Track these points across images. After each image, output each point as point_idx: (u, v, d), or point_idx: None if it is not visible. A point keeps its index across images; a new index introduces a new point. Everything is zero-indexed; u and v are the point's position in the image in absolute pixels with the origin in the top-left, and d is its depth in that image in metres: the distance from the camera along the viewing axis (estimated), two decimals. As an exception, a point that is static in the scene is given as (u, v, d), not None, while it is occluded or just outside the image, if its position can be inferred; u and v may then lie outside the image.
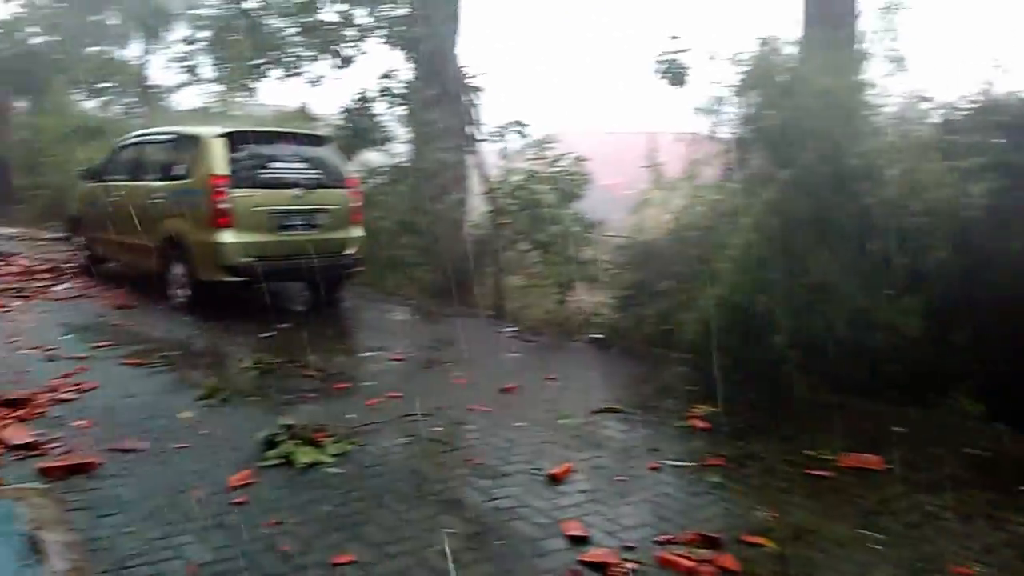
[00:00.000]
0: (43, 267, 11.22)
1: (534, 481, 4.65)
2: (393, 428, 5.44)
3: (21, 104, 22.01)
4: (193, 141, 8.79)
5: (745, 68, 6.89)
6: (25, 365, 6.57)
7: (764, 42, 6.83)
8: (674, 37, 8.22)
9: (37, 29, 21.28)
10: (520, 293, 9.94)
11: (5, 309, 8.67)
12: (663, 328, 7.21)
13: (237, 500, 4.20)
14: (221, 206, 8.23)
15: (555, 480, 4.66)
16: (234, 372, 6.62)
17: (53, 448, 4.79)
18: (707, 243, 6.83)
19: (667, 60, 8.26)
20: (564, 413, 5.87)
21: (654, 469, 4.92)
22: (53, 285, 10.08)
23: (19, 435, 4.83)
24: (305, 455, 4.77)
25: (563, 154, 10.50)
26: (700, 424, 5.76)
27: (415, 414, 5.69)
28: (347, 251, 9.27)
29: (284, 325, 8.37)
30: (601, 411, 6.00)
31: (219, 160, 8.33)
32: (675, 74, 8.16)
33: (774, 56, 6.90)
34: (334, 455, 4.87)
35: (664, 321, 7.23)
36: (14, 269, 11.06)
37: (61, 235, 13.65)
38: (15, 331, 7.72)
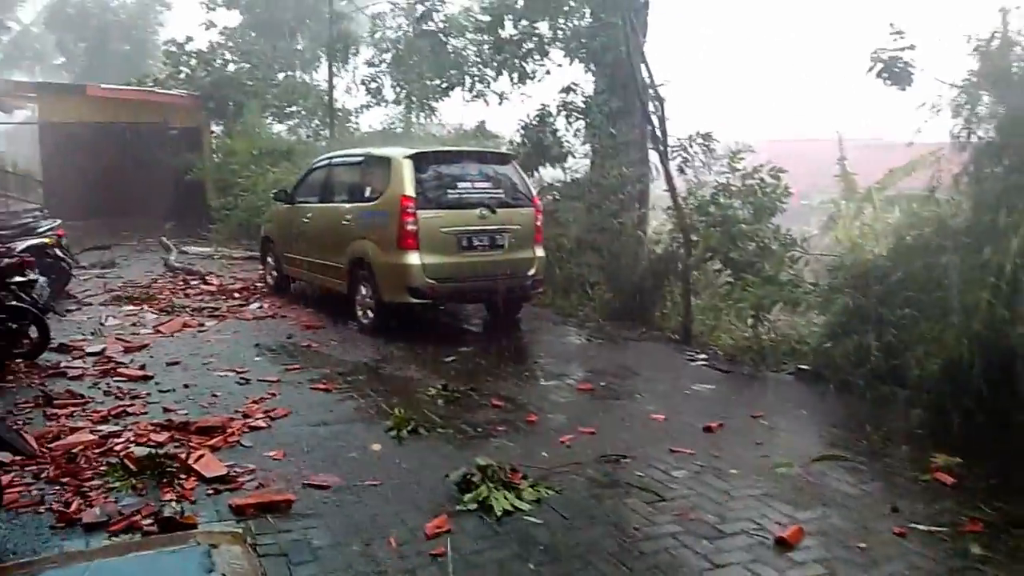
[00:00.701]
0: (236, 286, 11.66)
1: (760, 545, 4.04)
2: (591, 471, 4.98)
3: (216, 128, 23.54)
4: (382, 162, 8.76)
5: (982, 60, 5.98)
6: (219, 387, 6.63)
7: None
8: (897, 32, 7.28)
9: (233, 57, 22.70)
10: (709, 316, 9.23)
11: (201, 328, 8.96)
12: (891, 362, 6.32)
13: (434, 552, 3.86)
14: (408, 227, 8.11)
15: (785, 545, 4.03)
16: (421, 400, 6.38)
17: (246, 482, 4.66)
18: (947, 265, 5.90)
19: (887, 57, 7.34)
20: (781, 461, 5.19)
21: (899, 535, 4.18)
22: (245, 304, 10.39)
23: (213, 467, 4.74)
24: (502, 501, 4.40)
25: (759, 166, 9.71)
26: (945, 478, 4.92)
27: (612, 455, 5.21)
28: (529, 272, 8.94)
29: (466, 348, 8.14)
30: (823, 458, 5.28)
31: (407, 181, 8.22)
32: (897, 73, 7.23)
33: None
34: (531, 501, 4.46)
35: (892, 354, 6.34)
36: (208, 288, 11.55)
37: (253, 254, 14.26)
38: (210, 351, 7.90)
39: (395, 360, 7.68)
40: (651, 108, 10.47)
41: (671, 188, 9.65)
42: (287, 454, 5.12)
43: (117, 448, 5.06)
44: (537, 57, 13.72)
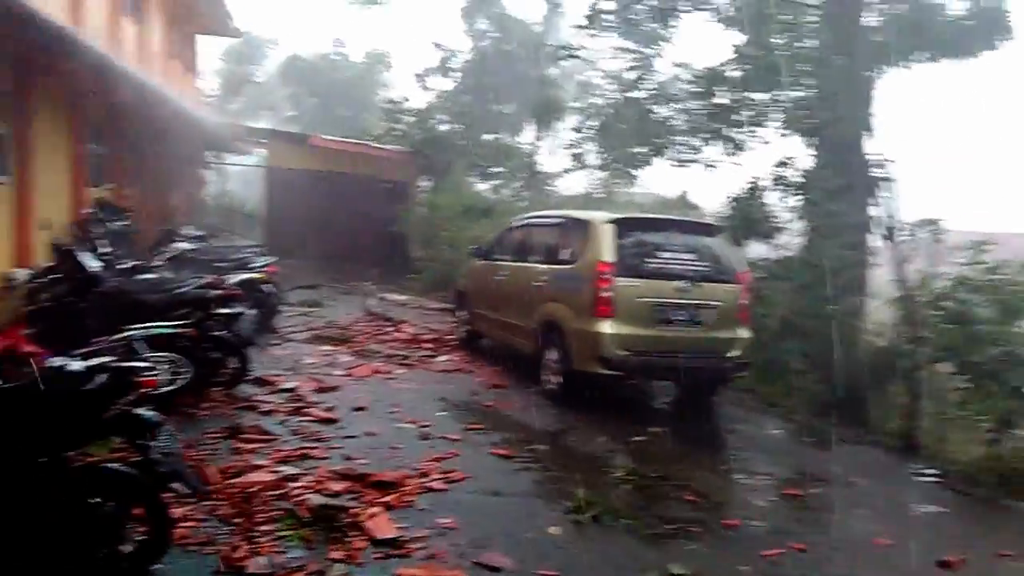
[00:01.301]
0: (427, 336, 11.70)
1: None
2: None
3: (424, 183, 24.50)
4: (582, 226, 8.45)
5: None
6: (400, 440, 6.44)
7: None
8: None
9: (445, 117, 23.66)
10: (937, 424, 8.08)
11: (389, 376, 8.93)
12: None
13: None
14: (604, 294, 7.70)
15: None
16: (606, 482, 5.85)
17: (416, 549, 4.33)
18: None
19: None
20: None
21: None
22: (434, 356, 10.34)
23: (385, 528, 4.46)
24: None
25: (1005, 260, 8.53)
26: None
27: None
28: (730, 353, 8.24)
29: (655, 428, 7.52)
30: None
31: (606, 246, 7.85)
32: None
33: None
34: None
35: None
36: (401, 336, 11.66)
37: (446, 307, 14.40)
38: (396, 400, 7.79)
39: (579, 432, 7.21)
40: (878, 189, 9.56)
41: (899, 276, 8.66)
42: (460, 524, 4.76)
43: (293, 493, 4.91)
44: (750, 127, 13.10)
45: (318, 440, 6.22)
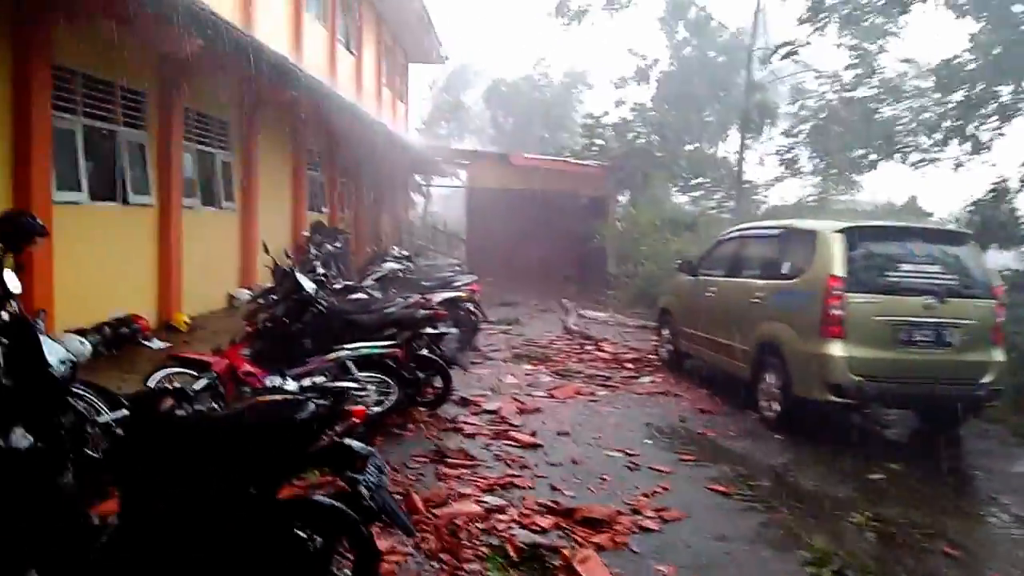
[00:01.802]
0: (629, 356, 11.25)
1: None
2: None
3: (622, 197, 24.10)
4: (805, 237, 7.69)
5: None
6: (607, 470, 6.04)
7: None
8: None
9: (644, 129, 23.16)
10: None
11: (592, 398, 8.57)
12: None
13: None
14: (833, 312, 6.92)
15: None
16: (844, 528, 5.14)
17: (634, 601, 3.90)
18: None
19: None
20: None
21: None
22: (637, 377, 9.87)
23: (598, 573, 4.06)
24: None
25: None
26: None
27: None
28: (982, 379, 7.16)
29: (895, 465, 6.62)
30: None
31: (836, 259, 7.07)
32: None
33: None
34: None
35: None
36: (602, 355, 11.29)
37: (647, 324, 13.89)
38: (599, 424, 7.42)
39: (806, 468, 6.47)
40: None
41: None
42: (680, 572, 4.27)
43: (500, 527, 4.64)
44: (994, 123, 11.61)
45: (523, 467, 5.95)
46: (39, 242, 6.35)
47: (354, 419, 3.38)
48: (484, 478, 5.60)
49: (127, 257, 9.52)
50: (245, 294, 11.88)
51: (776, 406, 7.57)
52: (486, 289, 13.14)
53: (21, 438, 3.16)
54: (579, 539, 4.55)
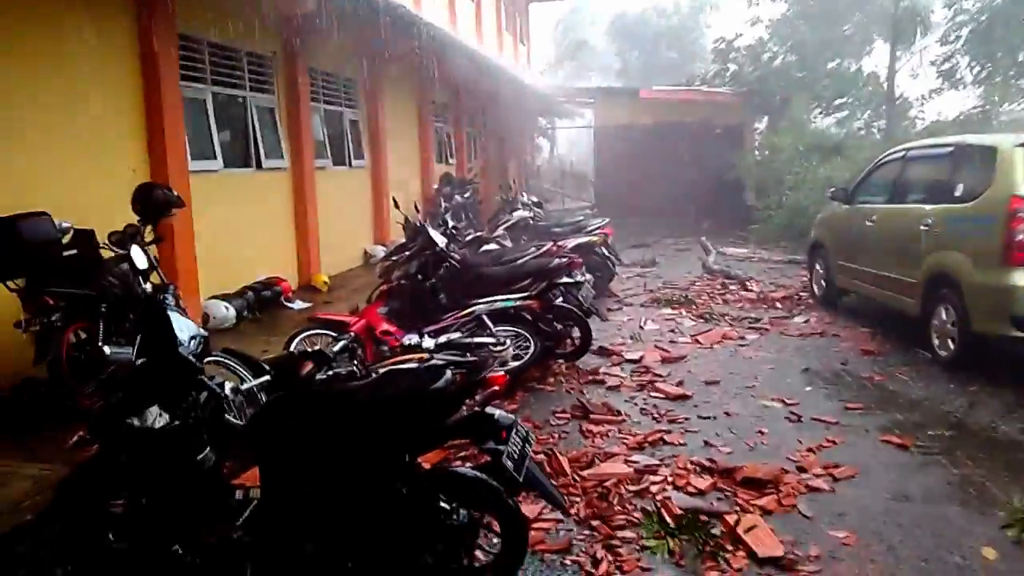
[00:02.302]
0: (777, 294, 10.57)
1: None
2: None
3: (759, 124, 22.78)
4: (983, 153, 6.79)
5: None
6: (765, 422, 5.59)
7: None
8: None
9: (779, 49, 21.64)
10: None
11: (741, 342, 8.06)
12: None
13: None
14: (1019, 238, 6.10)
15: None
16: (1048, 484, 4.52)
17: (810, 573, 3.51)
18: None
19: None
20: None
21: None
22: (789, 317, 9.24)
23: (768, 543, 3.69)
24: None
25: None
26: None
27: None
28: None
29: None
30: None
31: (1020, 177, 6.21)
32: None
33: None
34: None
35: None
36: (747, 295, 10.66)
37: (794, 259, 13.07)
38: (752, 371, 6.93)
39: (991, 414, 5.77)
40: None
41: None
42: (860, 540, 3.83)
43: (653, 489, 4.33)
44: None
45: (672, 422, 5.60)
46: (175, 213, 6.46)
47: (494, 387, 3.13)
48: (632, 435, 5.29)
49: (265, 221, 9.69)
50: (380, 250, 11.96)
51: (951, 344, 6.83)
52: (618, 230, 12.61)
53: (156, 417, 3.11)
54: (741, 502, 4.18)
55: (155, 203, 6.23)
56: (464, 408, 3.03)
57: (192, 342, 3.20)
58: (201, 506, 3.32)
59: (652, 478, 4.48)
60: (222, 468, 3.44)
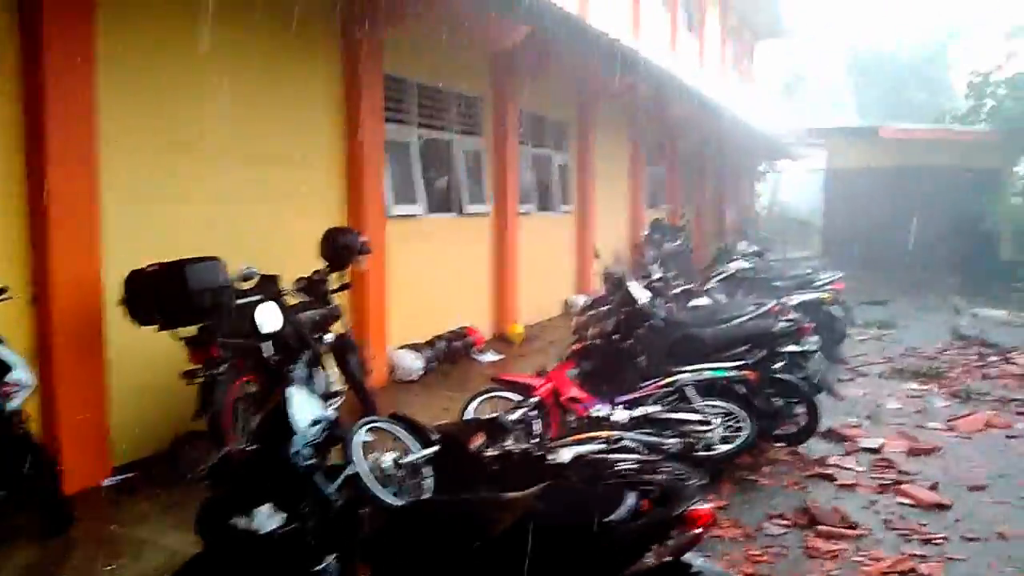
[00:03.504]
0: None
1: None
2: None
3: (1020, 168, 19.96)
4: None
5: None
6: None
7: None
8: None
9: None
10: None
11: (1010, 431, 6.54)
12: None
13: None
14: None
15: None
16: None
17: None
18: None
19: None
20: None
21: None
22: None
23: None
24: None
25: None
26: None
27: None
28: None
29: None
30: None
31: None
32: None
33: None
34: None
35: None
36: (1012, 369, 8.86)
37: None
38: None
39: None
40: None
41: None
42: None
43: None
44: None
45: (926, 542, 4.39)
46: (362, 260, 6.15)
47: (696, 527, 2.27)
48: (873, 559, 4.16)
49: (463, 268, 9.35)
50: (582, 300, 11.31)
51: None
52: (849, 285, 11.07)
53: (268, 517, 2.57)
54: None
55: (343, 248, 5.96)
56: (650, 555, 2.19)
57: (313, 429, 2.64)
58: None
59: (903, 634, 3.38)
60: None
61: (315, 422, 2.65)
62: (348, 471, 2.79)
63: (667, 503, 2.30)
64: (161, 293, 4.56)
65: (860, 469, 5.61)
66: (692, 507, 2.24)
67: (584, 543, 2.21)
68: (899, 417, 6.99)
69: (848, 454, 5.97)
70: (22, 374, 4.07)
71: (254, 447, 2.69)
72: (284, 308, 5.55)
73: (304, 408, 2.65)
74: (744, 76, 25.32)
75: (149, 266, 4.66)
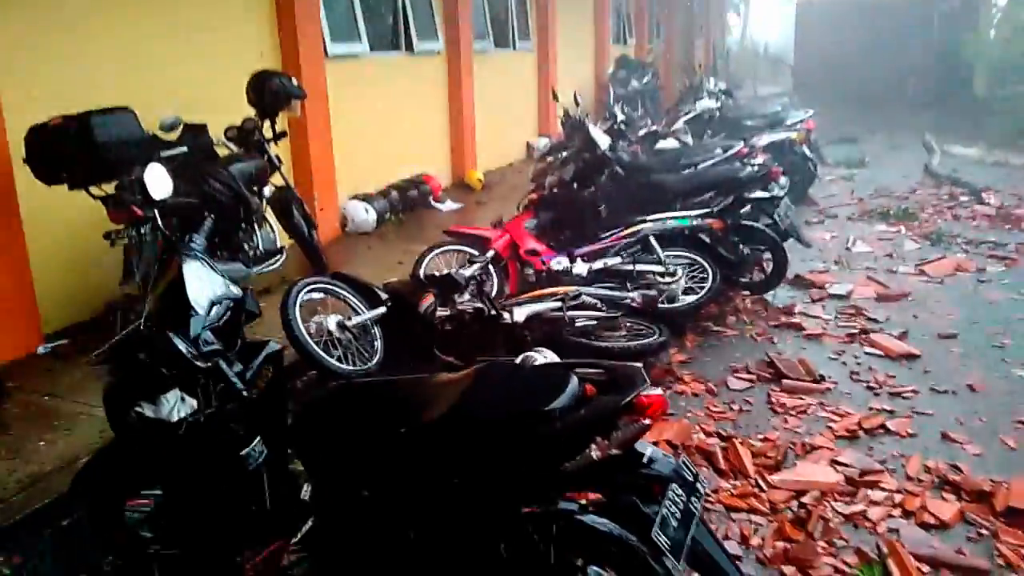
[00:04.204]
0: (1022, 210, 8.52)
1: None
2: None
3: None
4: None
5: None
6: (1030, 403, 4.11)
7: None
8: None
9: None
10: None
11: (981, 276, 6.38)
12: None
13: None
14: None
15: None
16: None
17: None
18: None
19: None
20: None
21: None
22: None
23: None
24: None
25: None
26: None
27: None
28: None
29: None
30: None
31: None
32: None
33: None
34: None
35: None
36: (985, 210, 8.57)
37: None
38: (1001, 321, 5.31)
39: None
40: None
41: None
42: None
43: (873, 515, 3.09)
44: None
45: (895, 395, 4.22)
46: (295, 106, 5.59)
47: (645, 417, 1.97)
48: (839, 414, 3.99)
49: (415, 111, 8.75)
50: (544, 142, 10.79)
51: None
52: (820, 122, 10.60)
53: (174, 407, 2.26)
54: (1006, 552, 2.87)
55: (272, 93, 5.39)
56: (594, 448, 1.91)
57: (214, 310, 2.27)
58: (246, 515, 2.49)
59: (871, 494, 3.23)
60: (285, 464, 2.58)
61: (216, 301, 2.28)
62: (268, 349, 2.44)
63: (614, 389, 2.00)
64: (66, 149, 4.05)
65: (827, 317, 5.42)
66: (642, 393, 1.94)
67: (521, 433, 1.92)
68: (868, 261, 6.79)
69: (816, 301, 5.78)
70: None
71: (150, 329, 2.33)
72: (211, 161, 5.09)
73: (202, 286, 2.27)
74: None
75: (52, 119, 4.11)
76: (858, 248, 7.20)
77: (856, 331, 5.13)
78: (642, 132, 8.63)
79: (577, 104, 6.47)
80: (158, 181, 3.55)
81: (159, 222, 3.61)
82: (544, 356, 4.02)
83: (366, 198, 7.49)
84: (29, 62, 4.60)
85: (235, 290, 2.37)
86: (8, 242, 4.43)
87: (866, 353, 4.80)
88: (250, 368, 2.39)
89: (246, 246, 5.19)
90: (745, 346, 4.98)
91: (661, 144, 8.28)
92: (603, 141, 5.93)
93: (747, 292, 5.77)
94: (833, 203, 9.08)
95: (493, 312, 4.26)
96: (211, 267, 2.39)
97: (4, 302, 4.42)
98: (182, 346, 2.10)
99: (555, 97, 6.99)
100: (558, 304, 4.41)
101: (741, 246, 5.58)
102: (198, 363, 2.12)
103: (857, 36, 18.56)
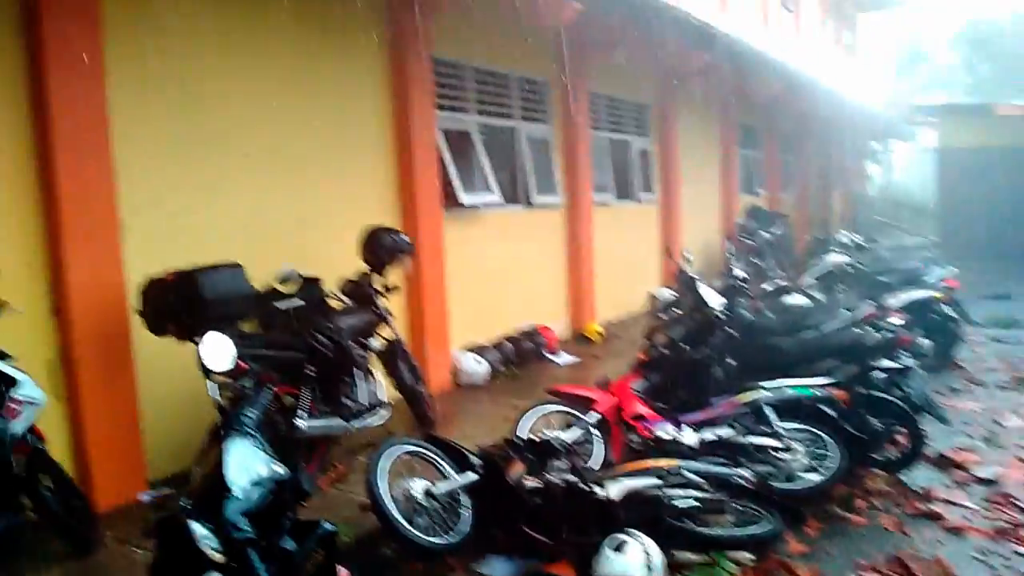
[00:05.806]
0: None
1: None
2: None
3: None
4: None
5: None
6: None
7: None
8: None
9: None
10: None
11: None
12: None
13: None
14: None
15: None
16: None
17: None
18: None
19: None
20: None
21: None
22: None
23: None
24: None
25: None
26: None
27: None
28: None
29: None
30: None
31: None
32: None
33: None
34: None
35: None
36: None
37: None
38: None
39: None
40: None
41: None
42: None
43: None
44: None
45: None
46: (404, 260, 5.72)
47: None
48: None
49: (533, 264, 8.81)
50: (666, 293, 10.59)
51: None
52: (966, 276, 9.84)
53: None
54: None
55: (382, 250, 5.54)
56: None
57: (255, 492, 2.16)
58: None
59: None
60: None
61: (255, 484, 2.19)
62: (321, 530, 2.31)
63: None
64: (175, 302, 4.24)
65: (972, 506, 4.79)
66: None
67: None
68: (1021, 439, 6.06)
69: (958, 484, 5.14)
70: (29, 390, 3.83)
71: (190, 507, 2.26)
72: (324, 314, 5.21)
73: (244, 466, 2.19)
74: (847, 51, 23.69)
75: (168, 273, 4.35)
76: (1010, 423, 6.45)
77: (1006, 525, 4.48)
78: (770, 287, 8.32)
79: (688, 261, 6.28)
80: (216, 351, 3.59)
81: (209, 392, 3.61)
82: (638, 541, 3.72)
83: (479, 349, 7.47)
84: (157, 217, 4.91)
85: (281, 470, 2.27)
86: (119, 390, 4.61)
87: (1016, 553, 4.16)
88: (298, 551, 2.25)
89: (348, 400, 5.20)
90: (875, 537, 4.43)
91: (789, 301, 7.92)
92: (714, 300, 5.68)
93: (879, 471, 5.21)
94: (981, 368, 8.30)
95: (586, 487, 3.99)
96: (261, 445, 2.31)
97: (111, 448, 4.56)
98: (199, 535, 1.99)
99: (668, 253, 6.85)
100: (657, 481, 4.10)
101: (872, 420, 5.10)
102: (215, 556, 2.00)
103: (1002, 184, 17.69)
